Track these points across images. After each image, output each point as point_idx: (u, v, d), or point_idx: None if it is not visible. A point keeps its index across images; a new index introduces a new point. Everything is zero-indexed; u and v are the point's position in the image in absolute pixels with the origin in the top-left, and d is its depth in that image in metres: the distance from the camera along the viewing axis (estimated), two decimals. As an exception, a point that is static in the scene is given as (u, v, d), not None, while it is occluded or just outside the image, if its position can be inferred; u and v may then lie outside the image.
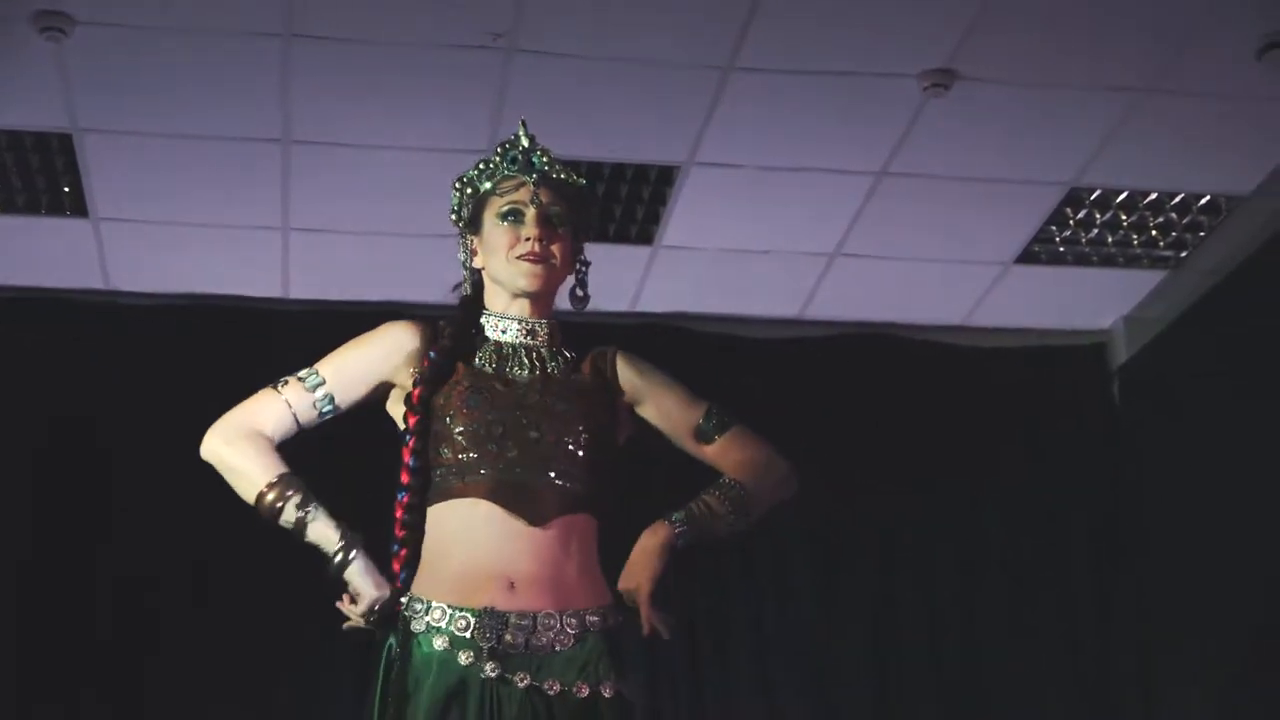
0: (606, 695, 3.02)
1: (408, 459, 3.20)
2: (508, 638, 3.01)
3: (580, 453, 3.16)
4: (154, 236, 6.18)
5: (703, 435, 3.34)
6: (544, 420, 3.15)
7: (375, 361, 3.28)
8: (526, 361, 3.24)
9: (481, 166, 3.39)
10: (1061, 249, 6.53)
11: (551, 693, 2.99)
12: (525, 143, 3.40)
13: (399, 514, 3.21)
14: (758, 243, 6.36)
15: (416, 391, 3.19)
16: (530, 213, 3.25)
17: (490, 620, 3.02)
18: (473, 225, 3.33)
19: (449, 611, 3.04)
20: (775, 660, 6.57)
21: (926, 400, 6.89)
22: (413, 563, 3.16)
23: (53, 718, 6.02)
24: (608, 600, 3.14)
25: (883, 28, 5.18)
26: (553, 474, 3.13)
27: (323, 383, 3.27)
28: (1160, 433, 6.76)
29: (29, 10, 4.98)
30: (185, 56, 5.21)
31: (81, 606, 6.12)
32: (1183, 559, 6.51)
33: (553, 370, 3.25)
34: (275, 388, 3.30)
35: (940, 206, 6.14)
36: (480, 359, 3.24)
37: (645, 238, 6.31)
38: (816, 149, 5.81)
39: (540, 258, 3.22)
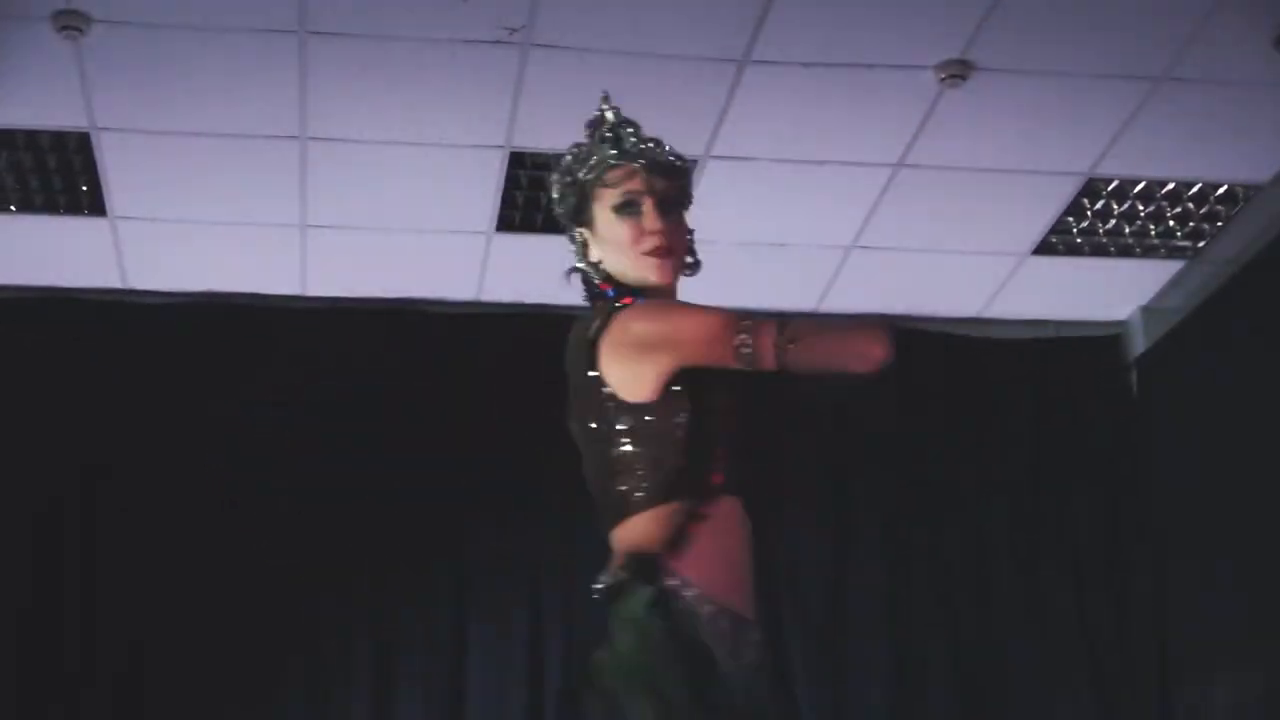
0: None
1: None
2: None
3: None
4: (171, 235, 6.19)
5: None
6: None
7: None
8: None
9: (576, 152, 3.31)
10: (1079, 239, 6.52)
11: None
12: (613, 119, 3.32)
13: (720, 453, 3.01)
14: (774, 236, 6.36)
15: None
16: (648, 204, 3.15)
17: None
18: (579, 217, 3.24)
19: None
20: (790, 653, 6.58)
21: (943, 391, 6.90)
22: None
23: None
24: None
25: (899, 20, 5.18)
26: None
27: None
28: (1177, 423, 6.75)
29: (47, 9, 4.99)
30: (202, 55, 5.22)
31: (89, 604, 6.14)
32: (1200, 549, 6.50)
33: None
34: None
35: (957, 198, 6.13)
36: None
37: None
38: (833, 141, 5.81)
39: (668, 251, 3.14)
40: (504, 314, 6.68)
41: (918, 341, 6.94)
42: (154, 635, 6.10)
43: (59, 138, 5.65)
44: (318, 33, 5.15)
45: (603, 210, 3.18)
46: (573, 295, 6.62)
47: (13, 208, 6.04)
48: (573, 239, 3.28)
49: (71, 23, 5.03)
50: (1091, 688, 6.64)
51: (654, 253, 3.13)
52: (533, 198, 6.05)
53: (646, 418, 2.95)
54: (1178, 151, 5.96)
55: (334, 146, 5.72)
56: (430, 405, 6.50)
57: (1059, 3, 5.16)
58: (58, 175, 5.85)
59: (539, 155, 5.79)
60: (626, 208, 3.16)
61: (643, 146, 3.24)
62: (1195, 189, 6.21)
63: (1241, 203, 6.28)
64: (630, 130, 3.27)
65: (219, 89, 5.40)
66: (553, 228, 6.13)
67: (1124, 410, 7.06)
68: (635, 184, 3.17)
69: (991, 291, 6.84)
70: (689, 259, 3.22)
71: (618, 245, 3.17)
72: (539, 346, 6.42)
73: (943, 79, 5.43)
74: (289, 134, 5.64)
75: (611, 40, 5.27)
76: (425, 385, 6.55)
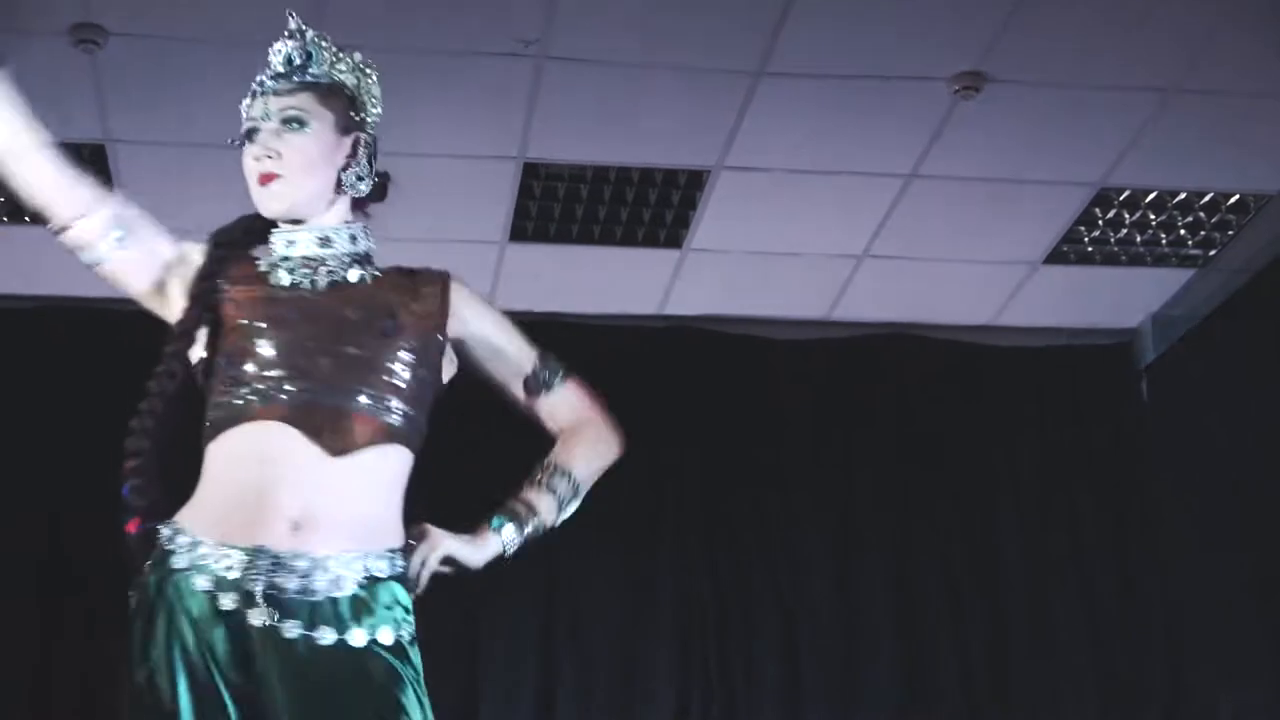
0: (386, 643, 2.68)
1: (172, 365, 2.83)
2: (280, 580, 2.65)
3: (403, 376, 2.82)
4: (187, 246, 6.18)
5: (537, 384, 3.02)
6: (363, 336, 2.82)
7: (172, 249, 2.97)
8: (332, 274, 2.92)
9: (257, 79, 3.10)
10: (1090, 249, 6.54)
11: (325, 642, 2.64)
12: (283, 47, 3.13)
13: (143, 421, 2.80)
14: (786, 245, 6.38)
15: (202, 285, 2.88)
16: (262, 129, 2.95)
17: (262, 560, 2.66)
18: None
19: (216, 549, 2.67)
20: (802, 668, 6.58)
21: (954, 400, 6.92)
22: (147, 478, 2.76)
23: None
24: (400, 544, 2.80)
25: (913, 31, 5.20)
26: (365, 398, 2.78)
27: (138, 214, 2.95)
28: (1188, 432, 6.76)
29: (63, 23, 5.02)
30: (217, 66, 5.22)
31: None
32: (1211, 558, 6.51)
33: (363, 281, 2.93)
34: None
35: (969, 207, 6.15)
36: (273, 271, 2.91)
37: (674, 241, 6.32)
38: (846, 152, 5.83)
39: (269, 176, 2.91)
40: (516, 323, 6.68)
41: (928, 350, 6.97)
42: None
43: (74, 149, 5.65)
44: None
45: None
46: (585, 304, 6.70)
47: (27, 219, 6.05)
48: None
49: (88, 36, 5.06)
50: (1100, 699, 6.65)
51: (260, 180, 2.93)
52: (546, 208, 6.08)
53: None
54: (1189, 161, 5.97)
55: (349, 158, 5.72)
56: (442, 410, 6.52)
57: (1071, 15, 5.17)
58: (76, 187, 5.85)
59: (553, 166, 5.82)
60: (248, 136, 2.98)
61: (278, 67, 3.07)
62: (1206, 198, 6.22)
63: (1252, 212, 6.29)
64: (281, 53, 3.10)
65: (234, 101, 5.40)
66: (565, 238, 6.23)
67: (1134, 418, 7.08)
68: (256, 110, 3.01)
69: (1003, 300, 6.85)
70: (354, 180, 3.05)
71: (249, 181, 2.96)
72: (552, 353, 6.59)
73: (956, 90, 5.45)
74: (301, 145, 5.64)
75: (625, 53, 5.29)
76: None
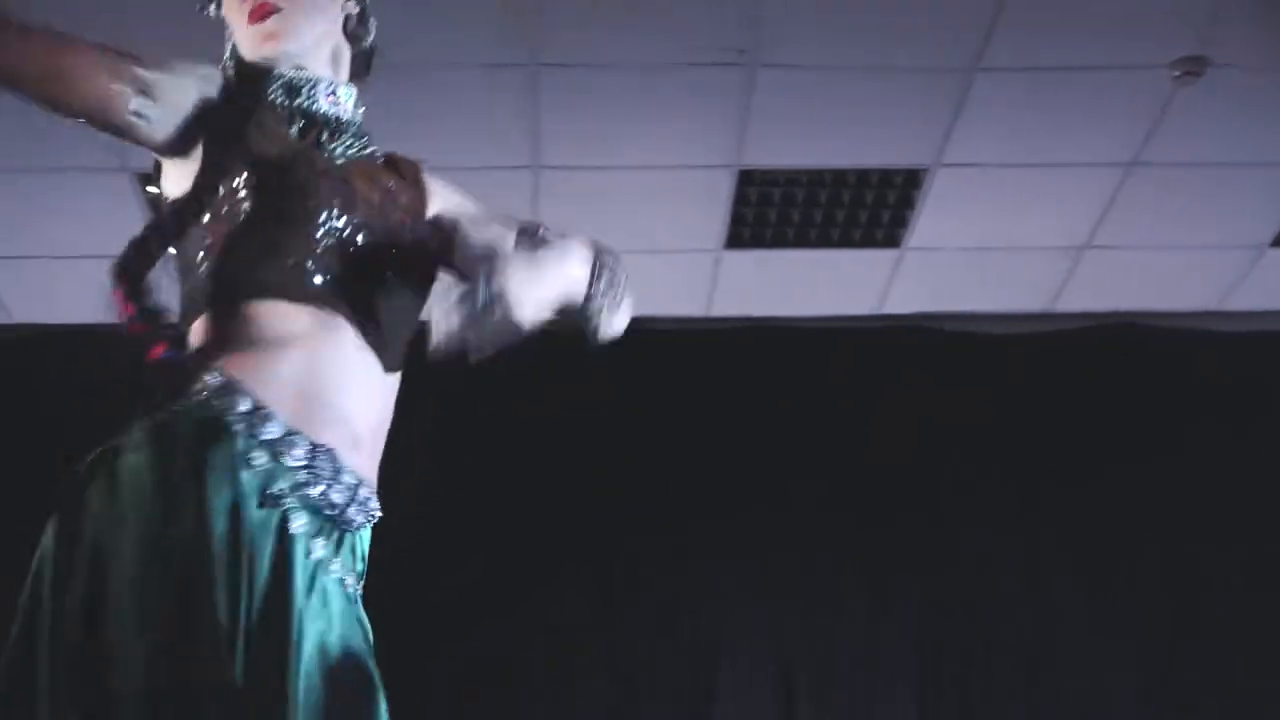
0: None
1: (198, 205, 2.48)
2: (333, 495, 2.31)
3: (418, 275, 2.53)
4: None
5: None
6: (397, 222, 2.51)
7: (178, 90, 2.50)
8: (344, 139, 2.57)
9: None
10: (1320, 229, 6.38)
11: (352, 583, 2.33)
12: None
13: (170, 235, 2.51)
14: (1006, 239, 6.32)
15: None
16: None
17: (327, 463, 2.32)
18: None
19: (285, 433, 2.29)
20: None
21: (1181, 389, 6.78)
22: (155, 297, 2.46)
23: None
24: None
25: (1132, 19, 5.12)
26: (401, 304, 2.48)
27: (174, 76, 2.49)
28: None
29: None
30: (436, 92, 5.32)
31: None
32: None
33: (364, 154, 2.58)
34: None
35: (1193, 193, 6.04)
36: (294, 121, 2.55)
37: (891, 241, 6.30)
38: (1063, 144, 5.75)
39: (265, 10, 2.52)
40: (733, 328, 6.73)
41: (1153, 339, 6.85)
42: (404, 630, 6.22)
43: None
44: (548, 64, 5.24)
45: None
46: (802, 307, 6.70)
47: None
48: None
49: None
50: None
51: (252, 17, 2.54)
52: (761, 213, 6.10)
53: None
54: None
55: (566, 174, 5.80)
56: (662, 416, 6.57)
57: (1294, -7, 5.07)
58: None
59: (769, 172, 5.83)
60: None
61: None
62: None
63: None
64: None
65: (453, 124, 5.51)
66: (782, 242, 6.23)
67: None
68: None
69: (1229, 286, 6.71)
70: (347, 45, 2.63)
71: (236, 23, 2.58)
72: (768, 358, 6.62)
73: (1176, 76, 5.35)
74: (522, 164, 5.73)
75: (837, 56, 5.28)
76: (657, 397, 6.61)
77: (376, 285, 2.44)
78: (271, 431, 2.27)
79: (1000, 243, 6.34)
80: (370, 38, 2.67)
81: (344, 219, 2.44)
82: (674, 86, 5.38)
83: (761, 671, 6.41)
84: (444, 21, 5.08)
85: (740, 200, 6.01)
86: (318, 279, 2.40)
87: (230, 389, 2.28)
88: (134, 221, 5.71)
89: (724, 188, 5.92)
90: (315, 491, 2.27)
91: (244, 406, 2.27)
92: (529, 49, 5.18)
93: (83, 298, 6.23)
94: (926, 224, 6.17)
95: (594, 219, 6.05)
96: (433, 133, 5.53)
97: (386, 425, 2.45)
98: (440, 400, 6.13)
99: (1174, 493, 6.59)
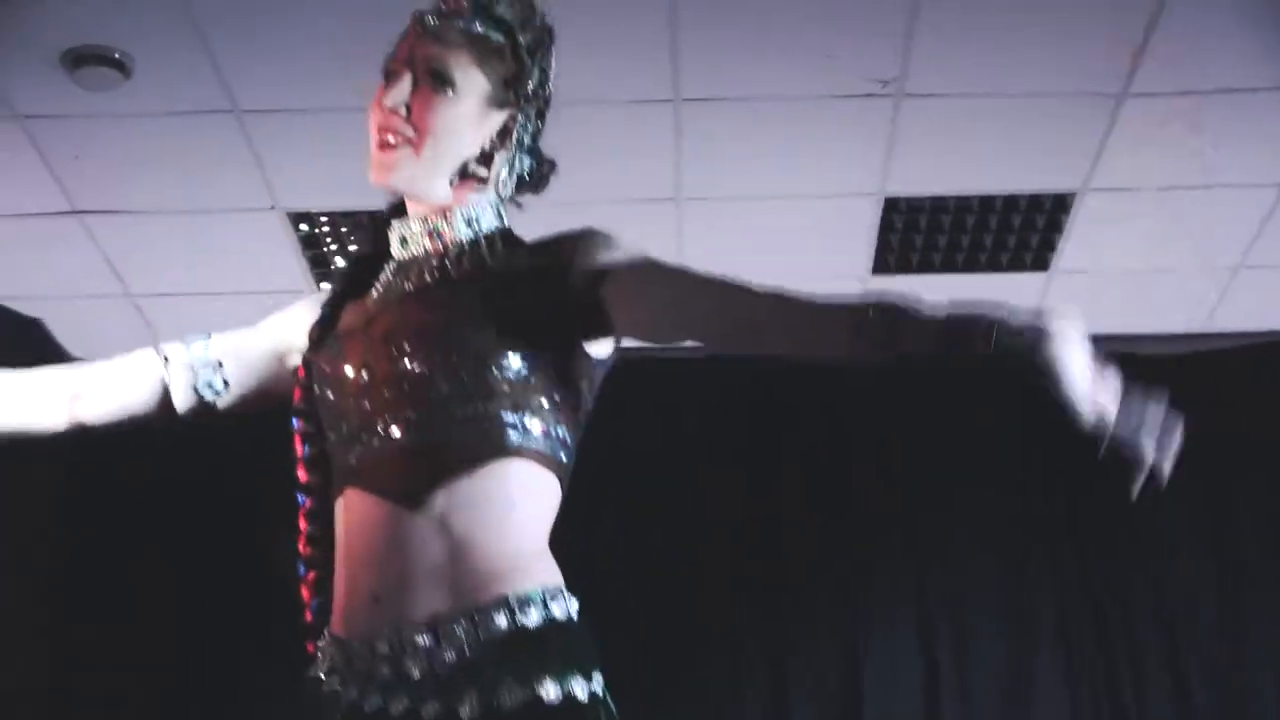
0: (550, 699, 2.14)
1: (301, 448, 2.39)
2: (381, 669, 2.20)
3: (473, 371, 2.27)
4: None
5: None
6: (412, 342, 2.31)
7: (277, 326, 2.54)
8: (418, 275, 2.41)
9: None
10: None
11: (468, 714, 2.14)
12: None
13: (302, 525, 2.38)
14: (1158, 261, 6.22)
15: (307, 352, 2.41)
16: (405, 77, 2.39)
17: (339, 653, 2.25)
18: None
19: (329, 642, 2.29)
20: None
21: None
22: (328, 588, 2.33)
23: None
24: (540, 580, 2.25)
25: (1284, 41, 5.03)
26: (414, 416, 2.27)
27: (208, 339, 2.51)
28: None
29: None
30: (580, 128, 5.33)
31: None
32: None
33: (448, 272, 2.40)
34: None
35: (1353, 210, 5.91)
36: (377, 290, 2.45)
37: (1040, 264, 6.23)
38: (1216, 165, 5.64)
39: (385, 143, 2.38)
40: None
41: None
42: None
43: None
44: (692, 100, 5.24)
45: None
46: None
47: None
48: None
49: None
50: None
51: (375, 142, 2.39)
52: (908, 239, 6.06)
53: None
54: None
55: (709, 205, 5.80)
56: (802, 443, 6.55)
57: None
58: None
59: (914, 199, 5.80)
60: (385, 78, 2.43)
61: (441, 8, 2.45)
62: None
63: None
64: None
65: (596, 158, 5.53)
66: (928, 268, 6.19)
67: None
68: (400, 52, 2.43)
69: (1391, 302, 6.56)
70: (480, 169, 2.44)
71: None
72: (913, 384, 6.57)
73: (1334, 97, 5.25)
74: (665, 196, 5.74)
75: (983, 84, 5.23)
76: (800, 423, 6.58)
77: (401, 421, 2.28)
78: (333, 656, 2.28)
79: (1152, 264, 6.24)
80: (521, 164, 2.53)
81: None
82: (820, 118, 5.36)
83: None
84: (587, 58, 5.10)
85: (886, 227, 5.97)
86: (340, 456, 2.34)
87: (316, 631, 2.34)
88: (284, 258, 5.89)
89: (869, 216, 5.89)
90: (354, 695, 2.22)
91: (322, 641, 2.30)
92: (671, 86, 5.19)
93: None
94: (1076, 247, 6.09)
95: (737, 248, 6.06)
96: (575, 168, 5.59)
97: (468, 532, 2.23)
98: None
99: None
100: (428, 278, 2.39)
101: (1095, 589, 6.46)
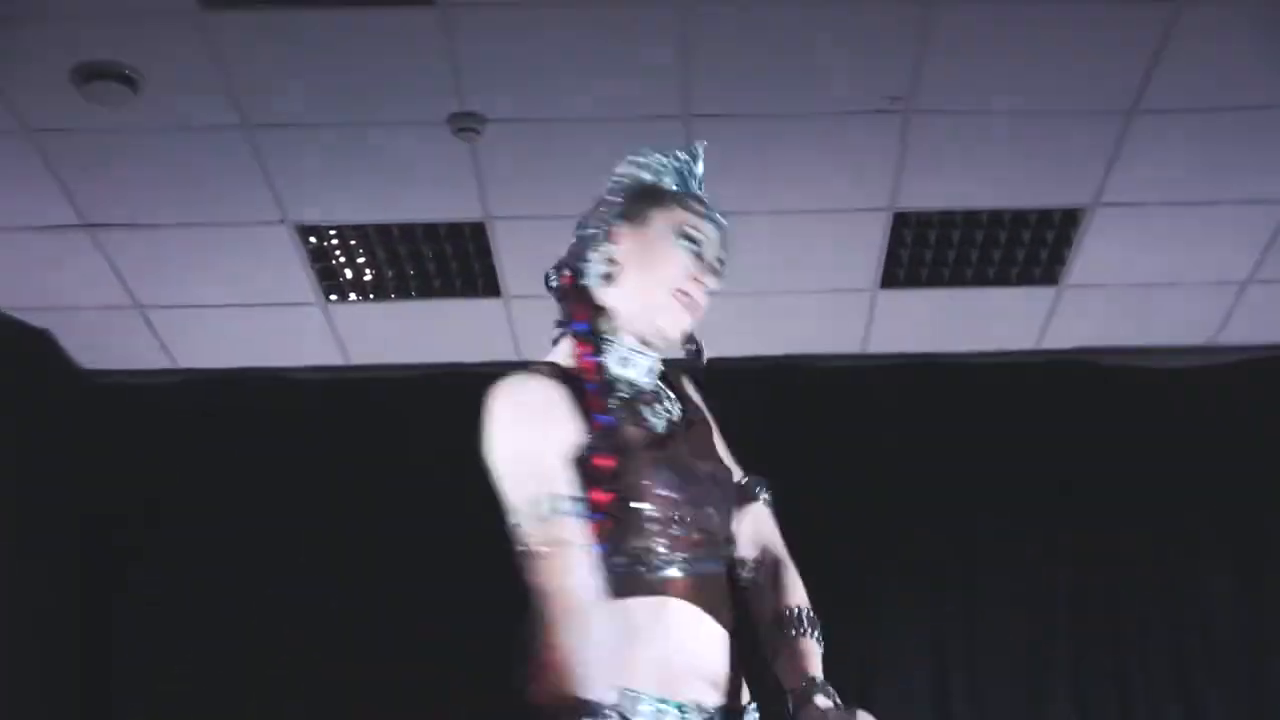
0: None
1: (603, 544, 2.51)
2: None
3: (732, 525, 2.73)
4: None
5: (747, 492, 2.83)
6: (715, 493, 2.66)
7: (565, 442, 2.57)
8: (662, 411, 2.72)
9: (665, 162, 2.86)
10: None
11: None
12: (700, 171, 2.87)
13: None
14: (1166, 275, 6.22)
15: (609, 463, 2.54)
16: (709, 255, 2.73)
17: (697, 716, 2.53)
18: (631, 216, 2.76)
19: (655, 704, 2.48)
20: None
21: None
22: None
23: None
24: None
25: (1290, 60, 5.03)
26: (725, 556, 2.69)
27: (573, 499, 2.52)
28: None
29: (445, 113, 5.19)
30: (588, 145, 5.33)
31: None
32: None
33: (681, 421, 2.73)
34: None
35: (1360, 227, 5.90)
36: (614, 404, 2.64)
37: (1050, 279, 6.22)
38: (1225, 181, 5.66)
39: (696, 306, 2.72)
40: (889, 365, 6.68)
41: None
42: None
43: (455, 228, 5.87)
44: (701, 115, 5.23)
45: (666, 224, 2.74)
46: (957, 343, 6.65)
47: (413, 293, 6.29)
48: (592, 234, 2.79)
49: (467, 124, 5.22)
50: None
51: (685, 297, 2.71)
52: (917, 254, 6.06)
53: None
54: None
55: (728, 220, 5.77)
56: (813, 451, 6.53)
57: None
58: (454, 261, 6.09)
59: (924, 214, 5.80)
60: (693, 241, 2.73)
61: (720, 217, 2.82)
62: None
63: None
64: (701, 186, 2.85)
65: (608, 173, 5.50)
66: (937, 281, 6.18)
67: None
68: (708, 232, 2.75)
69: (1398, 315, 6.55)
70: (691, 344, 2.77)
71: (659, 267, 2.70)
72: (923, 394, 6.56)
73: (1340, 114, 5.25)
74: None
75: (993, 100, 5.24)
76: (809, 432, 6.57)
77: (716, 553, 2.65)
78: (644, 711, 2.47)
79: (1161, 279, 6.24)
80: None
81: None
82: (831, 134, 5.37)
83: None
84: (599, 75, 5.10)
85: (895, 241, 5.97)
86: (653, 570, 2.57)
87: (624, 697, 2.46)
88: (293, 272, 5.89)
89: (879, 230, 5.89)
90: None
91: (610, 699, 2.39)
92: (680, 101, 5.19)
93: (241, 344, 6.42)
94: (1085, 262, 6.09)
95: (752, 261, 6.05)
96: (586, 183, 5.58)
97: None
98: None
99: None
100: (680, 419, 2.79)
101: (1109, 603, 6.46)
